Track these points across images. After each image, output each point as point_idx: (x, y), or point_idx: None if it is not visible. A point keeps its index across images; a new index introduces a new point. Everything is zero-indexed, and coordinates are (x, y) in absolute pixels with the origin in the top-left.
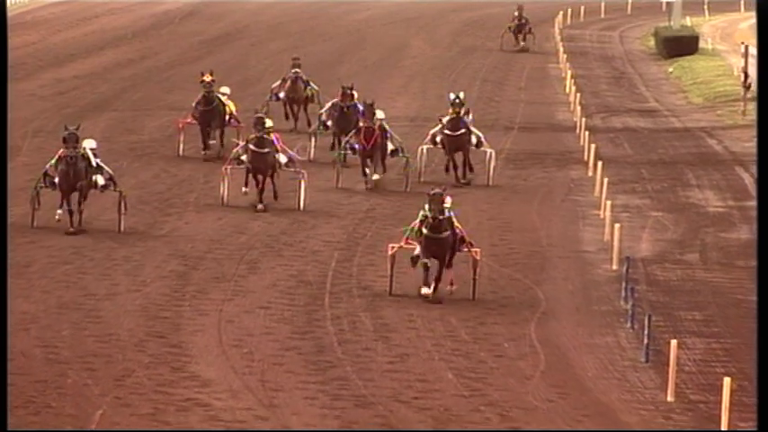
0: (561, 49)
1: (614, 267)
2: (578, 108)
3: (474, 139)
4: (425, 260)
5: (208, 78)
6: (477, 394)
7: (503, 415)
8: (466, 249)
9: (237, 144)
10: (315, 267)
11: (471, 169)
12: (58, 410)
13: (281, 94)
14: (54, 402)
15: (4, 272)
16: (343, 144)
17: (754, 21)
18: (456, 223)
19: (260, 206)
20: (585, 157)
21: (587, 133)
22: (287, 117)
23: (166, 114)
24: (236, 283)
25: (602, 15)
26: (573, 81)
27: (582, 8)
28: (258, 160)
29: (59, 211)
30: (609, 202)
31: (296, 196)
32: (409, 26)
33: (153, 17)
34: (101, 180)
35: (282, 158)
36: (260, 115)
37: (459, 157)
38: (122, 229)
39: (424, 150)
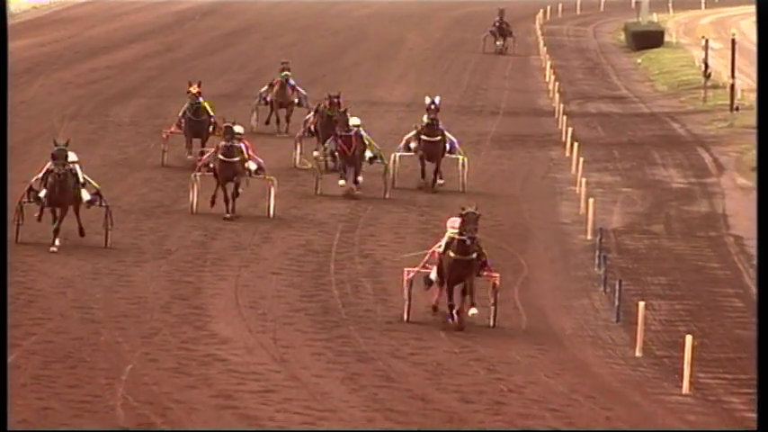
0: (541, 43)
1: (589, 237)
2: (557, 95)
3: (447, 146)
4: (453, 286)
5: (194, 89)
6: (466, 350)
7: (489, 369)
8: (485, 273)
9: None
10: (321, 237)
11: (440, 176)
12: (92, 365)
13: (269, 98)
14: (89, 357)
15: (4, 271)
16: (321, 151)
17: (713, 17)
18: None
19: (227, 215)
20: (563, 139)
21: (565, 118)
22: (267, 122)
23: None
24: (251, 252)
25: (578, 12)
26: (552, 71)
27: (560, 6)
28: (226, 169)
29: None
30: (584, 180)
31: (266, 203)
32: (405, 22)
33: (176, 14)
34: (86, 195)
35: (252, 166)
36: (228, 124)
37: (430, 165)
38: (109, 243)
39: (398, 157)
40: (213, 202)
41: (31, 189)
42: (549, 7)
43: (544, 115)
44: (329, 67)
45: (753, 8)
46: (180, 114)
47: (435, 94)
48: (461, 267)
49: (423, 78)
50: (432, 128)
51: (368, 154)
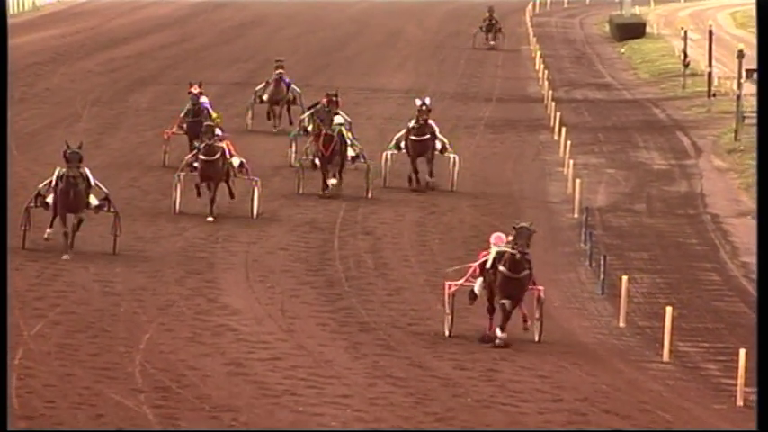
0: (531, 34)
1: (575, 215)
2: (546, 83)
3: (438, 145)
4: (503, 302)
5: (195, 90)
6: (461, 321)
7: None
8: (530, 287)
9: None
10: (325, 216)
11: (431, 175)
12: (113, 334)
13: (265, 96)
14: (109, 327)
15: (4, 271)
16: (304, 150)
17: (691, 10)
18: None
19: (210, 218)
20: (552, 124)
21: (553, 104)
22: (269, 118)
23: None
24: (260, 229)
25: (566, 5)
26: (541, 60)
27: None
28: (208, 169)
29: (49, 231)
30: (571, 161)
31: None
32: (404, 14)
33: (190, 7)
34: (94, 200)
35: (236, 161)
36: (209, 123)
37: (420, 164)
38: (117, 251)
39: (388, 156)
40: (199, 193)
41: (38, 195)
42: (538, 0)
43: (534, 101)
44: (333, 57)
45: (728, 1)
46: (182, 115)
47: (432, 82)
48: (513, 284)
49: (420, 67)
50: (420, 128)
51: (350, 153)
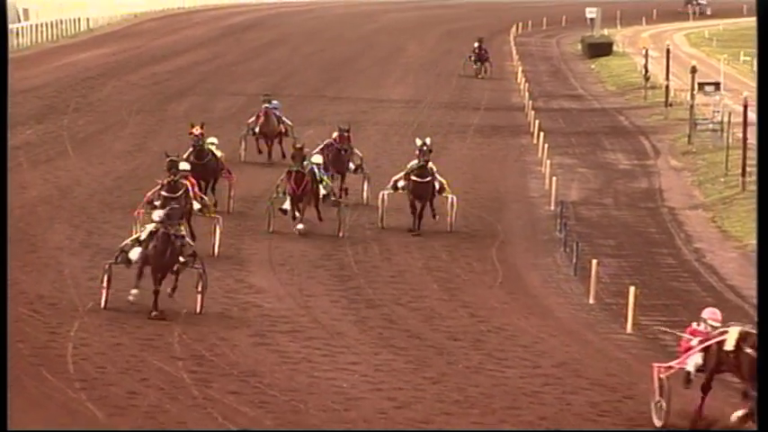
0: (515, 52)
1: (552, 208)
2: (527, 94)
3: (437, 185)
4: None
5: (197, 131)
6: (454, 299)
7: (472, 314)
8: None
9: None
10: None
11: (434, 215)
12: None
13: (257, 129)
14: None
15: (4, 272)
16: (275, 188)
17: (652, 31)
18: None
19: None
20: (531, 130)
21: (533, 112)
22: (260, 152)
23: (230, 99)
24: (281, 219)
25: (544, 27)
26: (523, 74)
27: (530, 22)
28: (169, 204)
29: (135, 291)
30: (548, 162)
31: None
32: (405, 34)
33: (222, 28)
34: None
35: (196, 205)
36: (173, 158)
37: (418, 205)
38: (202, 310)
39: (385, 196)
40: None
41: (122, 251)
42: (520, 23)
43: (516, 110)
44: (344, 70)
45: (684, 24)
46: (185, 156)
47: (429, 94)
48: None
49: (419, 81)
50: (422, 169)
51: (321, 192)
